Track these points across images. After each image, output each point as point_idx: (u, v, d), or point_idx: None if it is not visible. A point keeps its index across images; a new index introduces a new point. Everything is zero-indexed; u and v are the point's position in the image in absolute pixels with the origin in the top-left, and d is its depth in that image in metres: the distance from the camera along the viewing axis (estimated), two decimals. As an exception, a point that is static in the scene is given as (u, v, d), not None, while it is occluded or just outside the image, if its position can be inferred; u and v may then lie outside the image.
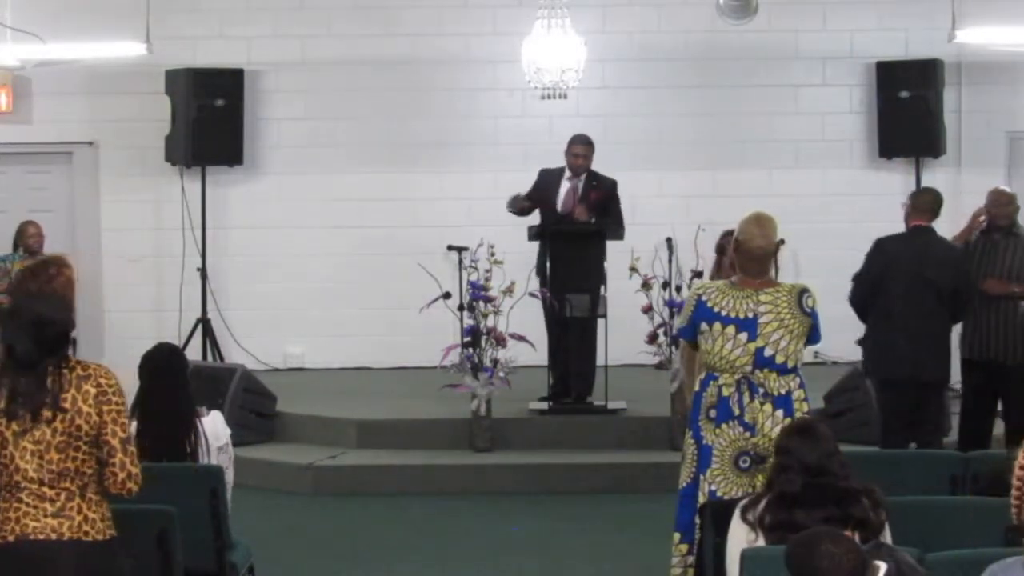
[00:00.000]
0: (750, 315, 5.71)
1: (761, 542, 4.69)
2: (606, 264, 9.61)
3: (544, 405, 9.75)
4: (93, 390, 4.27)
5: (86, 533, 4.27)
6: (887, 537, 4.64)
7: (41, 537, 4.24)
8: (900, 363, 7.71)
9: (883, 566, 3.85)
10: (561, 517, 8.55)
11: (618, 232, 9.57)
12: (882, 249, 7.82)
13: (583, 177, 9.71)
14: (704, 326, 5.76)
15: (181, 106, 11.25)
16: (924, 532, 4.93)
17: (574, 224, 9.58)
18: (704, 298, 5.79)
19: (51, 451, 4.24)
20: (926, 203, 7.90)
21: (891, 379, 7.81)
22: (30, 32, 10.73)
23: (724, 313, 5.73)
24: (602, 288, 9.58)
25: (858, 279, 7.90)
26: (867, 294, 7.79)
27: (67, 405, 4.24)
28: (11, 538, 4.25)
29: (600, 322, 9.71)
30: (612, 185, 9.72)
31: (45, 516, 4.25)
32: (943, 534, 5.02)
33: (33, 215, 11.48)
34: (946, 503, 5.46)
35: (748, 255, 5.82)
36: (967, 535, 4.98)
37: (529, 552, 7.87)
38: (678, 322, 5.99)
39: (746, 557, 4.57)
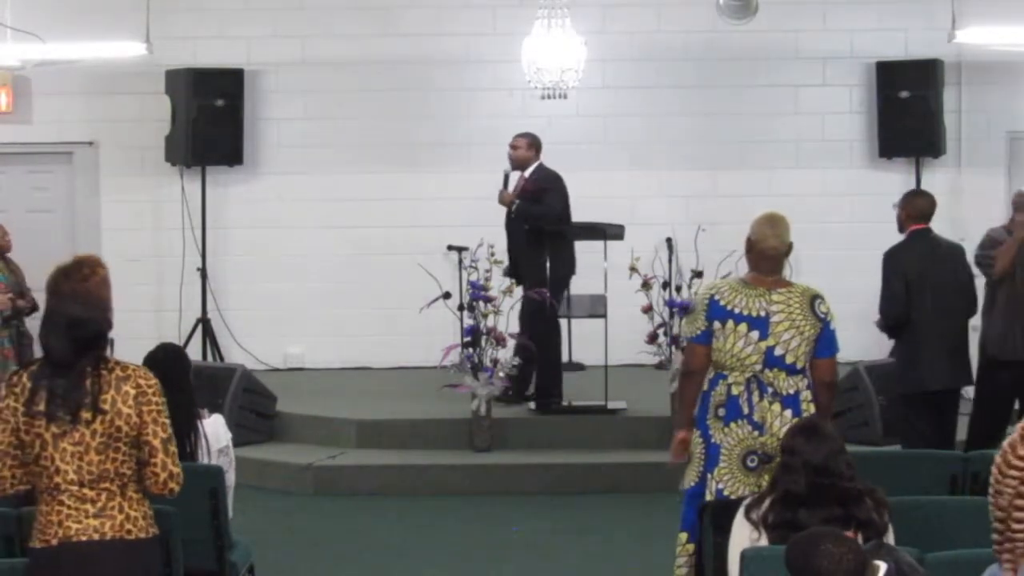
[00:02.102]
0: (762, 314, 5.70)
1: (764, 541, 4.69)
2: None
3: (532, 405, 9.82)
4: (132, 391, 4.25)
5: (128, 532, 4.26)
6: (891, 539, 4.64)
7: (84, 538, 4.22)
8: (940, 375, 7.67)
9: (883, 566, 3.86)
10: (561, 517, 8.55)
11: (540, 212, 9.62)
12: (897, 262, 7.74)
13: (528, 171, 9.83)
14: (717, 324, 5.74)
15: (181, 106, 11.24)
16: (924, 532, 4.94)
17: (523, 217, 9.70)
18: (716, 297, 5.77)
19: (91, 452, 4.22)
20: (923, 208, 7.84)
21: (930, 391, 7.69)
22: (30, 32, 10.72)
23: (737, 311, 5.71)
24: (564, 287, 9.66)
25: (888, 301, 7.75)
26: (903, 311, 7.67)
27: (106, 406, 4.22)
28: (54, 542, 4.23)
29: (600, 322, 9.73)
30: (549, 178, 9.78)
31: (87, 517, 4.23)
32: (943, 534, 5.02)
33: (33, 215, 11.51)
34: (946, 503, 5.46)
35: (761, 255, 5.81)
36: (967, 535, 4.98)
37: (529, 552, 7.87)
38: (688, 330, 5.93)
39: (746, 557, 4.57)
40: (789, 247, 5.87)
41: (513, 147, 9.91)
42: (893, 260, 7.77)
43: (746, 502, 4.86)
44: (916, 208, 7.84)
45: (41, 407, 4.22)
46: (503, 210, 10.00)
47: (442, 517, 8.61)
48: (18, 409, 4.25)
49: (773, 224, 5.85)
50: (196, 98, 11.20)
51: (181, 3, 11.59)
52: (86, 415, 4.21)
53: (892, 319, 7.75)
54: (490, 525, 8.45)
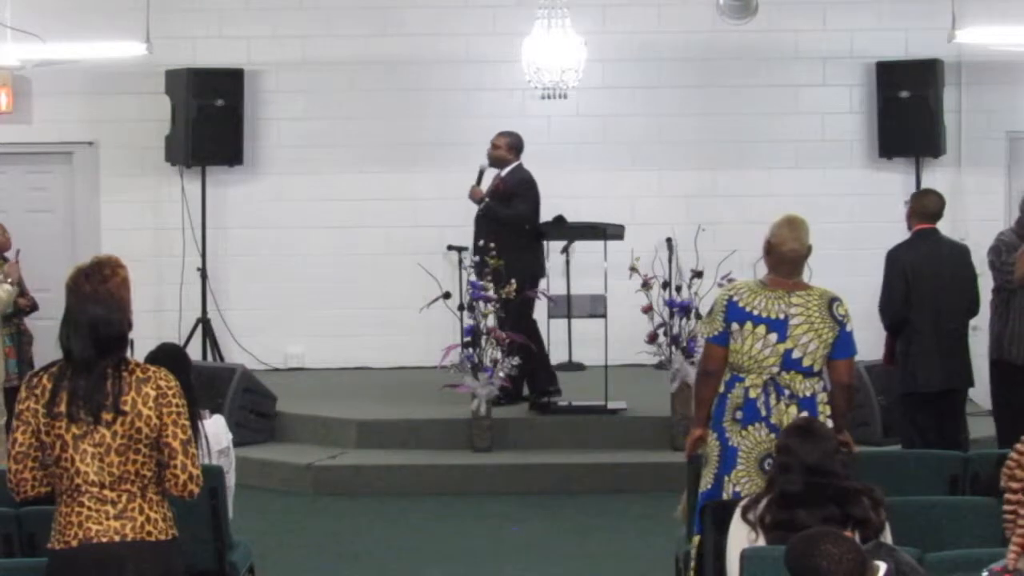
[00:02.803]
0: (781, 316, 5.69)
1: (761, 542, 4.69)
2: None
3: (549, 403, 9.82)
4: (153, 392, 4.25)
5: (149, 533, 4.26)
6: (888, 537, 4.64)
7: (104, 540, 4.21)
8: (933, 375, 7.66)
9: (883, 566, 3.86)
10: (561, 517, 8.55)
11: (507, 216, 9.64)
12: (898, 261, 7.74)
13: (505, 171, 9.87)
14: (735, 326, 5.72)
15: (181, 106, 11.24)
16: (924, 532, 4.94)
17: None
18: (735, 298, 5.76)
19: (111, 454, 4.21)
20: (930, 207, 7.84)
21: (927, 392, 7.71)
22: (30, 32, 10.73)
23: (756, 313, 5.70)
24: (535, 283, 9.64)
25: (888, 301, 7.74)
26: (901, 310, 7.68)
27: (127, 408, 4.21)
28: (75, 543, 4.22)
29: (600, 322, 9.73)
30: (522, 182, 9.80)
31: (107, 519, 4.22)
32: (943, 534, 5.02)
33: (33, 215, 11.50)
34: (946, 503, 5.46)
35: (780, 258, 5.80)
36: (967, 535, 4.99)
37: (529, 552, 7.87)
38: (705, 330, 5.92)
39: (746, 557, 4.57)
40: (808, 249, 5.85)
41: (494, 145, 9.95)
42: (894, 259, 7.77)
43: (743, 503, 4.86)
44: (923, 207, 7.83)
45: (62, 408, 4.21)
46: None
47: (442, 517, 8.61)
48: (39, 411, 4.24)
49: (793, 227, 5.84)
50: (196, 98, 11.19)
51: (181, 3, 11.59)
52: (107, 416, 4.21)
53: (890, 318, 7.76)
54: (490, 525, 8.45)
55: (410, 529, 8.37)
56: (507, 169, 9.88)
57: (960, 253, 7.89)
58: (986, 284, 8.11)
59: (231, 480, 5.96)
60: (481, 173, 9.91)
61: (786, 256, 5.79)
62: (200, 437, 5.82)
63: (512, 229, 9.61)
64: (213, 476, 5.76)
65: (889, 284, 7.73)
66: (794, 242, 5.80)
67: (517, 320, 9.50)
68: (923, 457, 6.37)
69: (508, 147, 9.90)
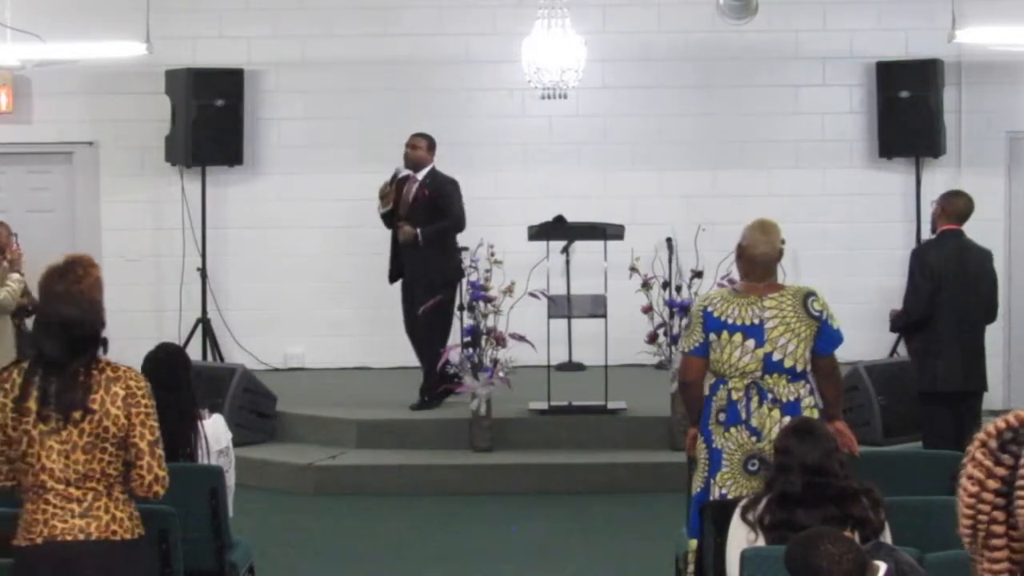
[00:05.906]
0: (756, 321, 5.68)
1: (761, 542, 4.69)
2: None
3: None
4: (122, 392, 4.24)
5: (114, 532, 4.25)
6: (887, 537, 4.64)
7: (69, 538, 4.20)
8: (954, 376, 7.68)
9: (883, 566, 3.86)
10: (561, 517, 8.55)
11: (446, 228, 9.71)
12: (925, 260, 7.76)
13: (422, 174, 9.82)
14: (712, 336, 5.71)
15: (181, 106, 11.24)
16: (924, 532, 4.93)
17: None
18: (710, 309, 5.75)
19: (77, 452, 4.21)
20: (960, 209, 7.84)
21: (946, 392, 7.72)
22: (30, 32, 10.73)
23: (731, 321, 5.69)
24: (455, 288, 9.64)
25: (913, 297, 7.78)
26: (927, 309, 7.69)
27: (95, 406, 4.21)
28: (39, 540, 4.21)
29: (600, 322, 9.73)
30: (445, 183, 9.80)
31: (72, 517, 4.21)
32: (943, 534, 5.00)
33: (33, 215, 11.49)
34: (946, 503, 5.42)
35: (752, 261, 5.80)
36: (967, 535, 4.96)
37: (529, 552, 7.87)
38: (685, 344, 5.93)
39: (746, 557, 4.57)
40: (780, 253, 5.87)
41: (412, 146, 9.88)
42: (921, 258, 7.79)
43: (742, 503, 4.85)
44: (954, 208, 7.84)
45: (31, 405, 4.21)
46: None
47: (442, 517, 8.61)
48: (7, 405, 4.24)
49: (765, 231, 5.85)
50: (196, 98, 11.20)
51: (181, 3, 11.59)
52: (75, 415, 4.20)
53: (916, 316, 7.76)
54: (490, 525, 8.45)
55: (410, 529, 8.37)
56: (423, 172, 9.83)
57: (984, 257, 7.89)
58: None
59: (231, 480, 5.96)
60: (395, 175, 9.86)
61: (758, 260, 5.79)
62: (200, 437, 5.84)
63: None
64: (213, 476, 5.76)
65: (914, 282, 7.75)
66: (765, 245, 5.80)
67: (439, 321, 9.51)
68: (923, 457, 6.36)
69: (428, 148, 9.89)
